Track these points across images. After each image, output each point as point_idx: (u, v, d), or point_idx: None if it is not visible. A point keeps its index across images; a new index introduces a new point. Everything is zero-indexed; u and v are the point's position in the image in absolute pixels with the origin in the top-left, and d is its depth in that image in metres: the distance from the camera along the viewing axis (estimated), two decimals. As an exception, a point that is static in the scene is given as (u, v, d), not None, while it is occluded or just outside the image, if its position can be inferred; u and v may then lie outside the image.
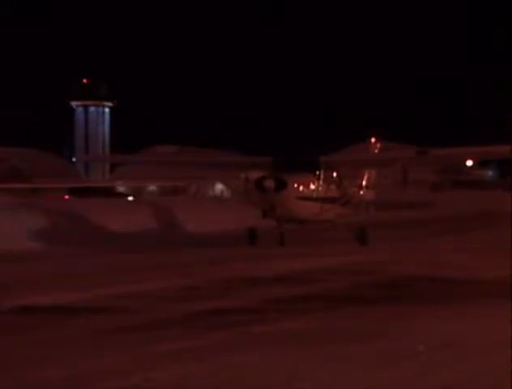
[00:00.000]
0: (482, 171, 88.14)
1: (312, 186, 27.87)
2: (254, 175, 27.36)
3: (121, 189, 67.11)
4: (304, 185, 27.60)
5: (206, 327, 13.14)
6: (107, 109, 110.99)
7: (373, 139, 34.21)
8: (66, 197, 53.23)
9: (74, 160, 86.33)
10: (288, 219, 27.34)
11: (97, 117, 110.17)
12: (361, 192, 32.51)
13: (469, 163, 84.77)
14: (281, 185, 26.38)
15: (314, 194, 27.77)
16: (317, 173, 28.02)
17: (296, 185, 27.19)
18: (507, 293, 15.86)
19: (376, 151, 33.84)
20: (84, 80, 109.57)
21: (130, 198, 53.62)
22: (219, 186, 62.72)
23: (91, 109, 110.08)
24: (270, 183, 26.32)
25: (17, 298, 15.93)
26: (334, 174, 28.96)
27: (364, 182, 32.83)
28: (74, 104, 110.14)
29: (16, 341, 12.27)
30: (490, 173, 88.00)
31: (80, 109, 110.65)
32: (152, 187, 68.30)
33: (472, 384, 9.80)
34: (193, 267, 21.42)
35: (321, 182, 28.06)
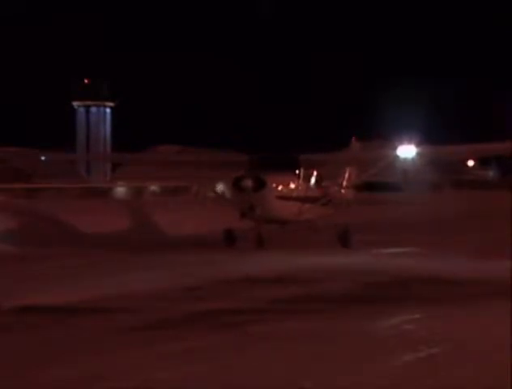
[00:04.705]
0: (483, 171, 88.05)
1: (292, 186, 27.00)
2: (232, 175, 26.31)
3: None
4: (283, 185, 26.70)
5: (205, 328, 13.15)
6: (108, 109, 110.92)
7: (353, 138, 33.27)
8: None
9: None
10: (267, 219, 26.35)
11: (98, 117, 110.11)
12: (343, 191, 31.48)
13: (470, 163, 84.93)
14: (260, 185, 25.48)
15: (294, 194, 26.89)
16: (297, 172, 27.20)
17: (275, 185, 26.26)
18: (507, 293, 15.88)
19: (357, 149, 32.98)
20: (86, 80, 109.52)
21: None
22: (220, 187, 62.54)
23: (93, 109, 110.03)
24: (248, 182, 25.44)
25: (16, 300, 15.92)
26: (315, 173, 28.10)
27: (345, 182, 31.74)
28: (75, 104, 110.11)
29: (16, 341, 12.29)
30: (491, 173, 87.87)
31: (82, 110, 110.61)
32: (153, 187, 68.21)
33: (472, 384, 9.81)
34: (175, 268, 21.25)
35: (301, 182, 27.22)
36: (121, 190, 69.96)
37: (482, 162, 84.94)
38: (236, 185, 25.72)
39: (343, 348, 11.61)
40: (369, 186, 46.63)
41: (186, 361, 10.85)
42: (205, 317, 14.14)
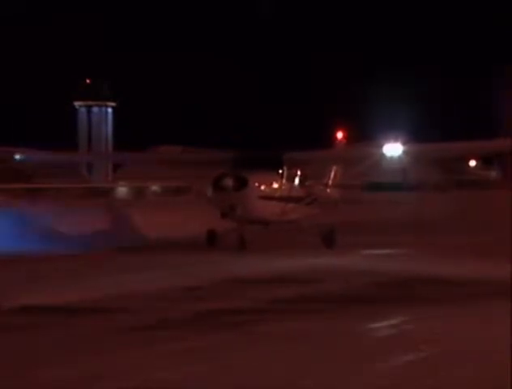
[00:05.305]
0: (485, 171, 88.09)
1: (275, 185, 26.39)
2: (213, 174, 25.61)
3: None
4: (266, 184, 26.11)
5: (205, 328, 13.16)
6: (110, 109, 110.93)
7: (339, 134, 32.40)
8: None
9: None
10: (250, 220, 25.66)
11: (100, 117, 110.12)
12: (328, 190, 30.67)
13: (472, 163, 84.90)
14: (241, 184, 24.88)
15: (277, 194, 26.29)
16: (281, 170, 26.59)
17: (257, 184, 25.66)
18: (507, 293, 15.87)
19: (342, 147, 32.24)
20: (87, 80, 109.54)
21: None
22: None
23: (95, 109, 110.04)
24: (229, 181, 24.83)
25: (17, 299, 15.94)
26: (299, 172, 27.42)
27: (330, 181, 30.91)
28: (76, 104, 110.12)
29: (16, 341, 12.29)
30: (493, 173, 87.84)
31: (83, 110, 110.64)
32: (155, 187, 68.27)
33: (472, 384, 9.81)
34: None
35: (284, 181, 26.61)
36: (122, 190, 70.04)
37: (484, 162, 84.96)
38: (216, 184, 25.03)
39: (343, 348, 11.61)
40: (370, 186, 46.32)
41: (186, 361, 10.86)
42: (205, 317, 14.15)
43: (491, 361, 10.82)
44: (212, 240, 26.62)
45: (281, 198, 26.41)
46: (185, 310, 14.78)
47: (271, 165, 26.53)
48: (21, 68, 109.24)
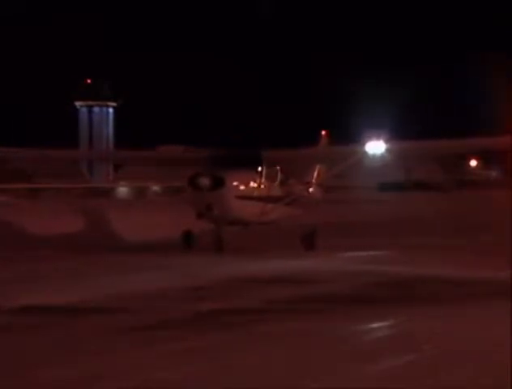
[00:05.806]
0: (486, 171, 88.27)
1: (253, 184, 25.75)
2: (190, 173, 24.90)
3: None
4: (244, 183, 25.45)
5: (205, 328, 13.16)
6: (111, 110, 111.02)
7: (323, 132, 31.89)
8: None
9: None
10: (227, 220, 24.95)
11: (101, 117, 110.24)
12: (310, 190, 29.85)
13: (473, 163, 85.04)
14: (218, 183, 24.22)
15: (256, 193, 25.67)
16: (259, 169, 25.95)
17: (235, 183, 25.02)
18: (507, 293, 15.87)
19: (325, 145, 31.66)
20: (88, 80, 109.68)
21: None
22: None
23: (96, 109, 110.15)
24: (205, 181, 24.23)
25: (17, 299, 15.95)
26: (279, 171, 26.73)
27: (313, 180, 30.22)
28: (77, 104, 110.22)
29: (16, 341, 12.29)
30: (494, 173, 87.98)
31: (84, 110, 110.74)
32: (155, 187, 68.39)
33: (472, 384, 9.81)
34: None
35: (263, 180, 25.96)
36: (123, 190, 70.14)
37: (485, 162, 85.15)
38: (192, 183, 24.50)
39: (344, 348, 11.61)
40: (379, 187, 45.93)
41: (186, 361, 10.85)
42: (205, 317, 14.15)
43: (491, 361, 10.82)
44: (188, 241, 25.95)
45: (260, 198, 25.84)
46: (185, 310, 14.78)
47: (250, 164, 25.92)
48: (21, 68, 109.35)
